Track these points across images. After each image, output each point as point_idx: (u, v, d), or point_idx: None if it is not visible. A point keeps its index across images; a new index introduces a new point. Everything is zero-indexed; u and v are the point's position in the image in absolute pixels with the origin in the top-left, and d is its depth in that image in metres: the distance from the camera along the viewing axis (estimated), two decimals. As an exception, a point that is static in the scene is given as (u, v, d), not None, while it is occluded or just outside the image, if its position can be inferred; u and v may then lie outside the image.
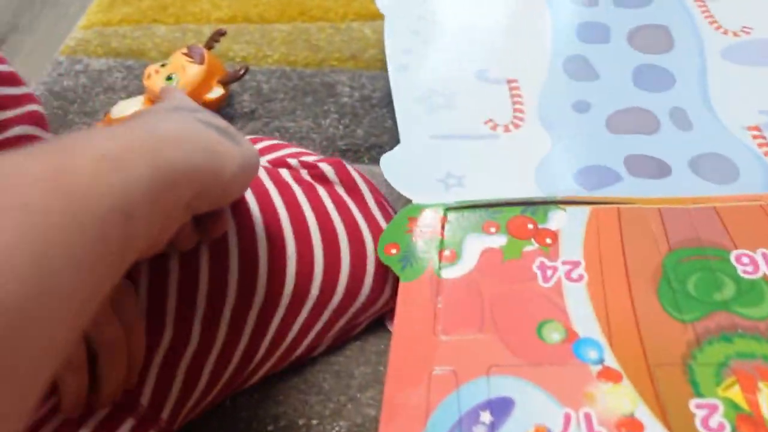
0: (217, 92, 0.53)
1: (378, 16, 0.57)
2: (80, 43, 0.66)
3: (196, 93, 0.52)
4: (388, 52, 0.51)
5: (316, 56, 0.62)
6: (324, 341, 0.38)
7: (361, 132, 0.54)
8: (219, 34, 0.57)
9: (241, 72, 0.54)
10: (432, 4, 0.55)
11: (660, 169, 0.41)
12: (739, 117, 0.44)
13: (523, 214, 0.38)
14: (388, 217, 0.41)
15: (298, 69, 0.61)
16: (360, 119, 0.56)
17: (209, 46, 0.56)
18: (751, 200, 0.38)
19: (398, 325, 0.33)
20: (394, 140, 0.45)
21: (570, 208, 0.38)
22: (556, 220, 0.38)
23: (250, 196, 0.37)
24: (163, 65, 0.54)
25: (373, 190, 0.42)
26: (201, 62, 0.53)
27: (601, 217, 0.38)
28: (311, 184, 0.39)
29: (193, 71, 0.53)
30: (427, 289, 0.35)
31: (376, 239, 0.38)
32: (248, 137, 0.39)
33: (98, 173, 0.21)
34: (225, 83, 0.54)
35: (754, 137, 0.42)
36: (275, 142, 0.46)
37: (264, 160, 0.42)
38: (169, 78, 0.53)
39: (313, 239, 0.37)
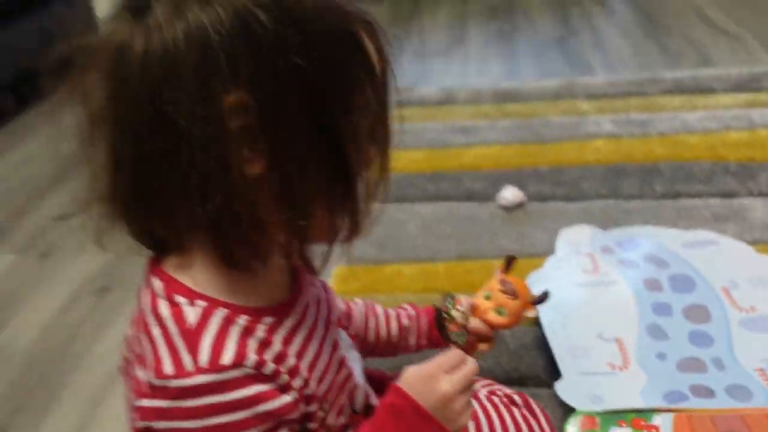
0: (532, 314, 0.67)
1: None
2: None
3: (515, 319, 0.66)
4: (541, 317, 0.89)
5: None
6: None
7: (524, 368, 0.91)
8: (511, 260, 0.69)
9: (544, 295, 0.66)
10: (567, 287, 0.95)
11: (708, 393, 0.76)
12: (751, 362, 0.79)
13: (638, 416, 0.73)
14: (552, 427, 0.72)
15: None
16: (522, 360, 0.93)
17: (506, 271, 0.68)
18: (761, 411, 0.73)
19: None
20: (549, 374, 0.81)
21: (663, 414, 0.73)
22: (656, 420, 0.72)
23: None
24: (487, 297, 0.66)
25: (542, 410, 0.74)
26: (515, 296, 0.66)
27: (681, 420, 0.72)
28: (507, 404, 0.73)
29: (515, 306, 0.65)
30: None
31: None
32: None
33: None
34: (534, 304, 0.67)
35: (760, 374, 0.78)
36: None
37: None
38: (498, 312, 0.66)
39: None
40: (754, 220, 1.14)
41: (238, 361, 0.43)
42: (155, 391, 0.43)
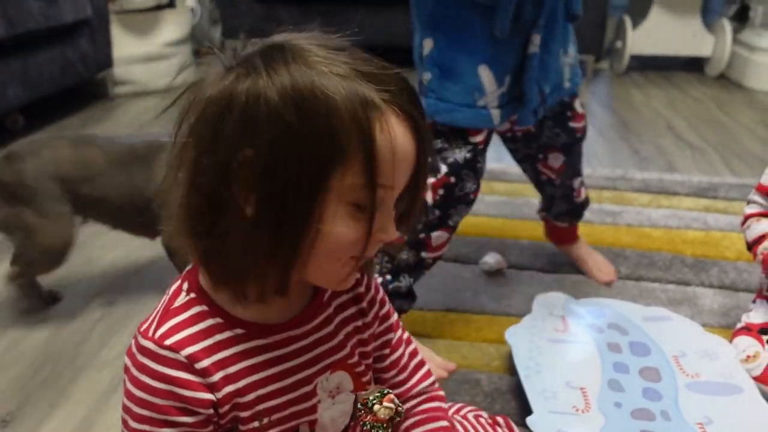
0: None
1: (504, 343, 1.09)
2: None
3: None
4: (516, 362, 1.02)
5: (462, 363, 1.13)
6: None
7: (498, 408, 1.03)
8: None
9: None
10: (541, 341, 1.08)
11: (657, 438, 0.89)
12: (693, 417, 0.93)
13: (596, 451, 0.85)
14: None
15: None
16: (496, 401, 1.05)
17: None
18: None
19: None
20: (521, 414, 0.93)
21: (616, 451, 0.85)
22: (611, 455, 0.85)
23: None
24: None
25: None
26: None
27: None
28: (492, 425, 0.85)
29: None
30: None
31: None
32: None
33: None
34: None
35: (700, 428, 0.91)
36: (460, 405, 0.93)
37: (458, 415, 0.87)
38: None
39: None
40: (704, 306, 1.30)
41: (176, 348, 0.55)
42: (133, 337, 0.57)
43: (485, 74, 1.01)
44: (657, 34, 3.24)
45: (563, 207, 1.37)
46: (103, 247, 1.51)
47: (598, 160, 2.13)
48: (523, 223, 1.63)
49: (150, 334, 0.56)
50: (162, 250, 1.26)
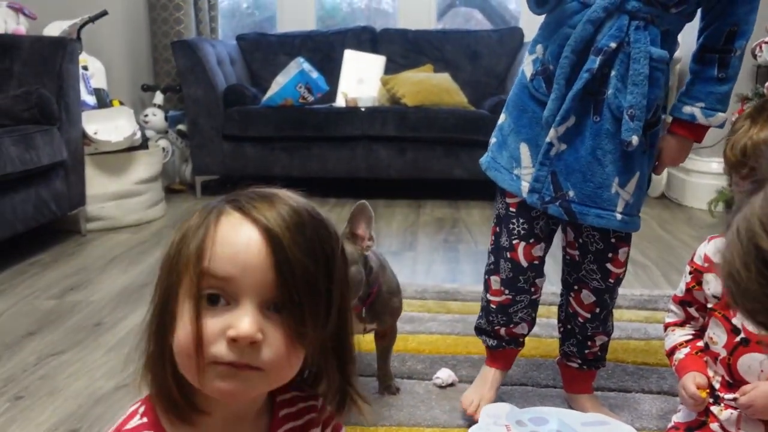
0: None
1: None
2: None
3: None
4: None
5: None
6: None
7: None
8: None
9: None
10: None
11: None
12: None
13: None
14: None
15: None
16: None
17: None
18: None
19: None
20: None
21: None
22: None
23: None
24: None
25: None
26: None
27: None
28: None
29: None
30: None
31: None
32: None
33: None
34: None
35: None
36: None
37: None
38: None
39: None
40: (643, 411, 1.37)
41: None
42: None
43: (524, 150, 1.25)
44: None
45: (573, 349, 1.39)
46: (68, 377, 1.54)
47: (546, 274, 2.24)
48: (475, 339, 1.71)
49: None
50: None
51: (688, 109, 1.23)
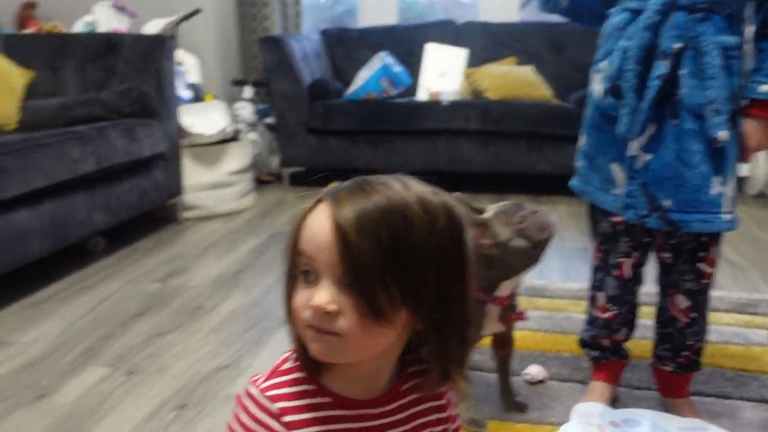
0: None
1: None
2: None
3: None
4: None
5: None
6: None
7: None
8: None
9: None
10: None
11: None
12: None
13: None
14: None
15: None
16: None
17: None
18: None
19: None
20: None
21: None
22: None
23: None
24: None
25: None
26: None
27: None
28: None
29: None
30: None
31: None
32: None
33: None
34: None
35: None
36: None
37: None
38: None
39: None
40: (744, 419, 1.33)
41: (272, 399, 0.67)
42: (246, 384, 0.70)
43: (616, 171, 1.24)
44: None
45: (667, 354, 1.36)
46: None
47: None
48: (564, 336, 1.70)
49: (257, 383, 0.68)
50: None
51: (764, 87, 1.16)
